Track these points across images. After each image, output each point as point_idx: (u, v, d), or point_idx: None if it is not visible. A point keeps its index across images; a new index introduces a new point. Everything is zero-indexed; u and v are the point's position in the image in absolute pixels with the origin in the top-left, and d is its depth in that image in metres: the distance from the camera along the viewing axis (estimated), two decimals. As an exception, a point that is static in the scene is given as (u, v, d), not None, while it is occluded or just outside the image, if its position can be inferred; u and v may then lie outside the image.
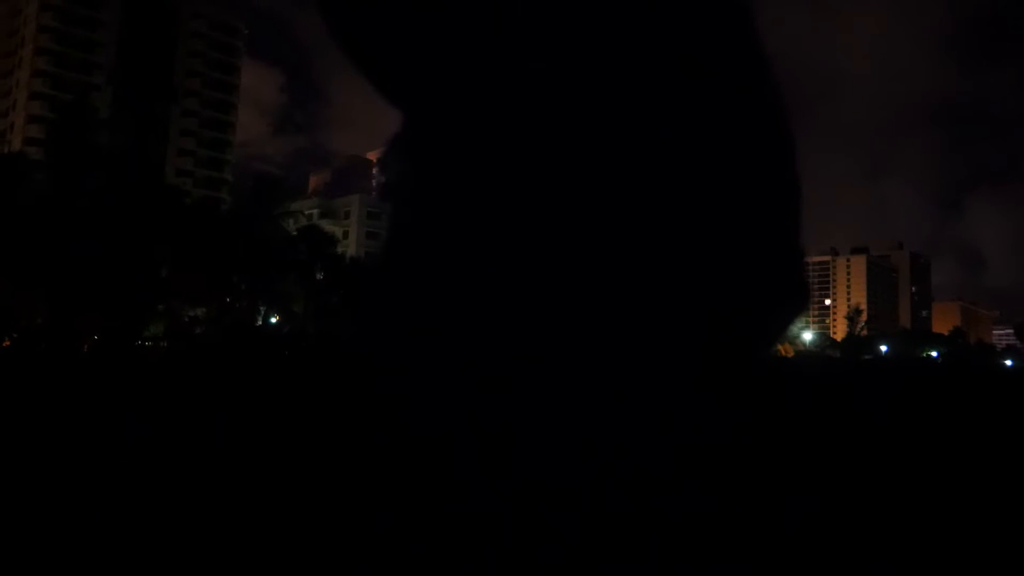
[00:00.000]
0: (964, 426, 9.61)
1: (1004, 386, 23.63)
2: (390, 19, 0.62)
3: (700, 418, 0.56)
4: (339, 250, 50.58)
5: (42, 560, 2.98)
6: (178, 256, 33.24)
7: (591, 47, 0.57)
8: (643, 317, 0.55)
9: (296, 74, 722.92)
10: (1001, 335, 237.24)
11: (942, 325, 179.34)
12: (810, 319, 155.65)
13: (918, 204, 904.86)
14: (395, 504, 0.55)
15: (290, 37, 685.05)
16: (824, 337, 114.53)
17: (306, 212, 70.04)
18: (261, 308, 42.25)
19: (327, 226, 59.81)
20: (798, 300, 0.61)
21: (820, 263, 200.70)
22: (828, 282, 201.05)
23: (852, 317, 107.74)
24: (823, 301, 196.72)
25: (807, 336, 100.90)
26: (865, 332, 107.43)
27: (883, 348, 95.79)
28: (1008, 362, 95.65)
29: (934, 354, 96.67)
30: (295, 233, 45.83)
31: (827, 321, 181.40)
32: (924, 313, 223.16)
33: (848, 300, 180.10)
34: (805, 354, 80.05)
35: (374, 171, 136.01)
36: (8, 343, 28.40)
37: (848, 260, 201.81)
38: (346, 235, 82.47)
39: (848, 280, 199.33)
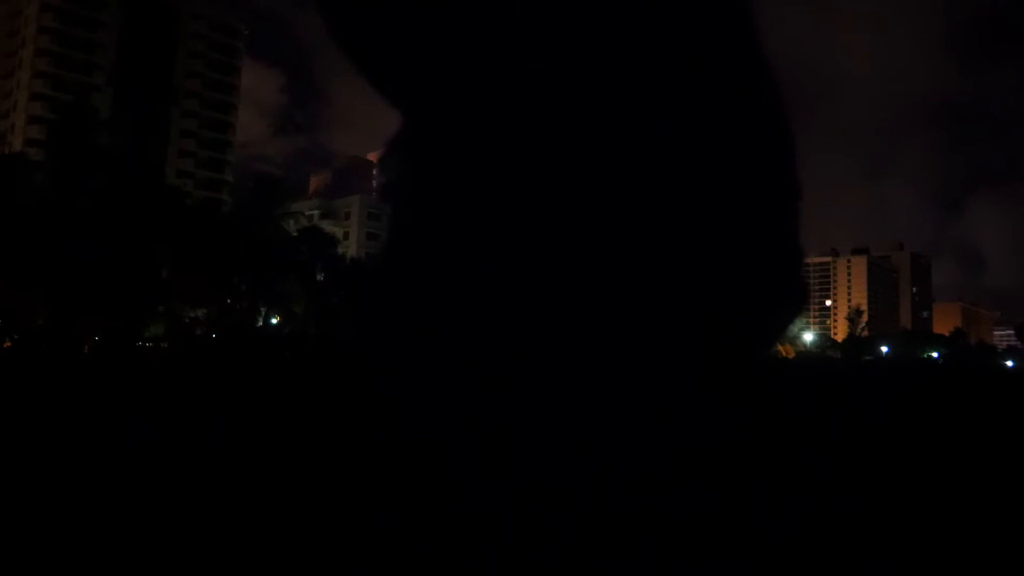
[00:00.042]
0: (965, 426, 9.60)
1: (1005, 387, 23.61)
2: (390, 20, 0.61)
3: (700, 418, 0.55)
4: (340, 251, 50.60)
5: (43, 560, 2.98)
6: (179, 257, 33.24)
7: (591, 47, 0.57)
8: (643, 317, 0.55)
9: (296, 75, 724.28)
10: (1002, 336, 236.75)
11: (943, 326, 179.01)
12: (811, 320, 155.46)
13: (918, 204, 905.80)
14: (395, 504, 0.55)
15: (290, 38, 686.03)
16: (825, 338, 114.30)
17: (307, 213, 70.03)
18: (262, 309, 42.25)
19: (328, 227, 59.71)
20: (797, 300, 0.61)
21: (820, 264, 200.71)
22: (828, 283, 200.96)
23: (853, 318, 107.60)
24: (824, 302, 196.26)
25: (808, 337, 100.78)
26: (866, 333, 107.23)
27: (884, 349, 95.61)
28: (1009, 363, 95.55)
29: (935, 355, 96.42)
30: (296, 234, 45.83)
31: (828, 322, 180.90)
32: (925, 314, 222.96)
33: (849, 301, 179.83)
34: (806, 355, 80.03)
35: (375, 172, 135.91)
36: (9, 344, 28.41)
37: (848, 261, 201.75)
38: (347, 236, 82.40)
39: (849, 281, 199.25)
